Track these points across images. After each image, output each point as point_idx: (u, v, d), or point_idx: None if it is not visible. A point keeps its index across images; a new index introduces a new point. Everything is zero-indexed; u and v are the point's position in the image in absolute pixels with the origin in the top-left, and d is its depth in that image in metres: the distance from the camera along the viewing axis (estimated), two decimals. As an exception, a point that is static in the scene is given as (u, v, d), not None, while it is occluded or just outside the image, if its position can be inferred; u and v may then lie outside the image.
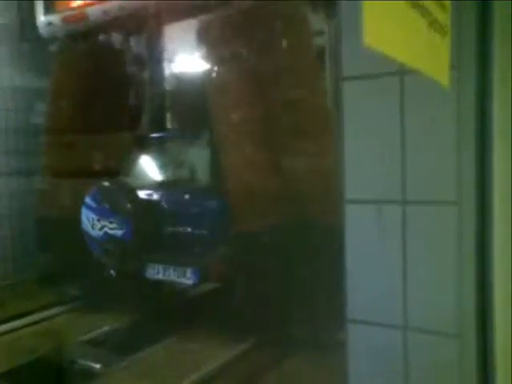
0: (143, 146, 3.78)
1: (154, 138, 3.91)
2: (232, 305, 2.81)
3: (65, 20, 3.67)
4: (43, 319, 3.27)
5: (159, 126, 4.12)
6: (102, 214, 3.13)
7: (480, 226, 1.05)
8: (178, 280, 3.00)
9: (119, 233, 3.05)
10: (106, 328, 3.15)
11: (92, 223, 3.14)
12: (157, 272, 3.07)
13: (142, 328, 3.08)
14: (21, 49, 4.07)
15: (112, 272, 3.26)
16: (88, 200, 3.18)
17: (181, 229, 3.07)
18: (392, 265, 1.10)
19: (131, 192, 3.23)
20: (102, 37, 3.86)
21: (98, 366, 2.72)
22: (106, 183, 3.28)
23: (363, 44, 0.70)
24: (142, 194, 3.28)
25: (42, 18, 3.77)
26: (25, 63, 4.11)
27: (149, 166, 3.74)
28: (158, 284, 3.17)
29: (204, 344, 2.81)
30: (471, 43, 1.02)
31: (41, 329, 3.17)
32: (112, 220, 3.09)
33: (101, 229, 3.11)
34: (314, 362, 2.47)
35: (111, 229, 3.08)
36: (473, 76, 1.03)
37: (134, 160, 3.68)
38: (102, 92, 3.62)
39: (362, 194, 1.13)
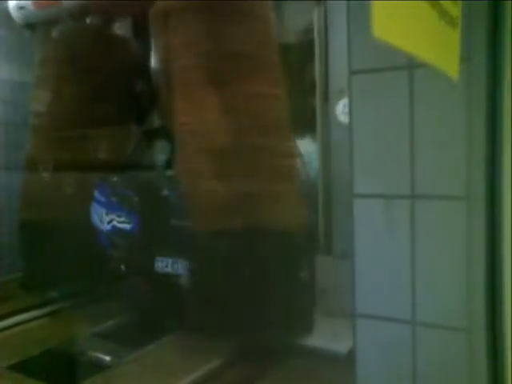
0: (151, 138, 3.78)
1: (161, 130, 3.91)
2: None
3: (35, 5, 3.38)
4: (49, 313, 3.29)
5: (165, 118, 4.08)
6: (110, 207, 3.14)
7: (490, 221, 1.04)
8: (186, 273, 3.01)
9: (127, 226, 3.06)
10: (115, 321, 3.17)
11: (101, 217, 3.16)
12: (165, 265, 3.08)
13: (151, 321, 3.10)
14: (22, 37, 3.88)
15: (122, 266, 3.27)
16: (97, 194, 3.19)
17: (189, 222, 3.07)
18: (400, 259, 1.10)
19: (139, 185, 3.24)
20: (87, 23, 3.56)
21: (107, 358, 2.75)
22: (115, 177, 3.29)
23: (372, 36, 0.69)
24: (151, 187, 3.28)
25: (13, 2, 3.47)
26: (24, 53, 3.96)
27: (157, 159, 3.75)
28: (160, 277, 3.16)
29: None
30: (482, 35, 1.01)
31: (48, 322, 3.20)
32: (120, 214, 3.10)
33: (109, 222, 3.13)
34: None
35: (119, 222, 3.10)
36: (483, 69, 1.02)
37: (143, 153, 3.68)
38: (101, 83, 3.50)
39: (370, 188, 1.13)
